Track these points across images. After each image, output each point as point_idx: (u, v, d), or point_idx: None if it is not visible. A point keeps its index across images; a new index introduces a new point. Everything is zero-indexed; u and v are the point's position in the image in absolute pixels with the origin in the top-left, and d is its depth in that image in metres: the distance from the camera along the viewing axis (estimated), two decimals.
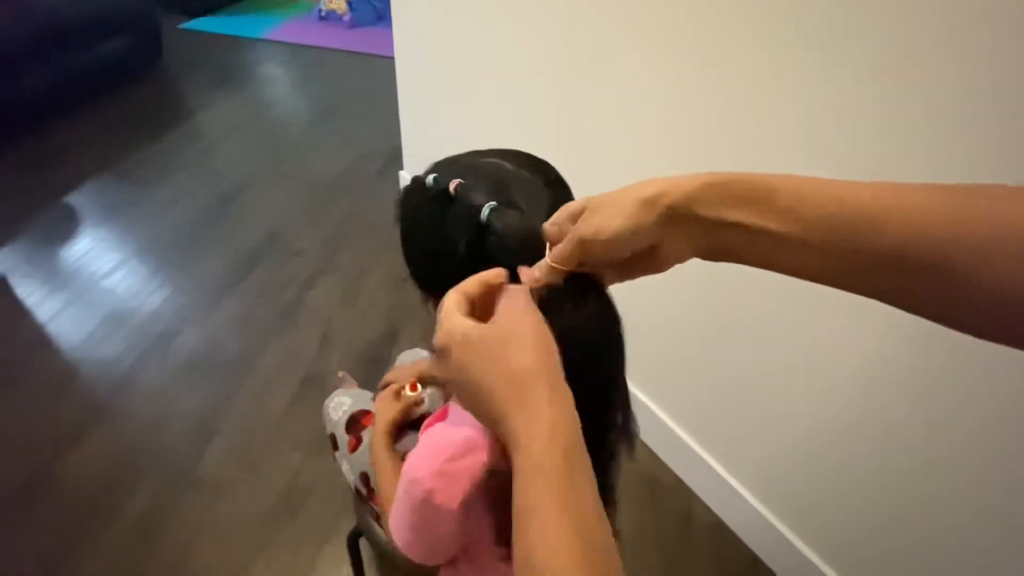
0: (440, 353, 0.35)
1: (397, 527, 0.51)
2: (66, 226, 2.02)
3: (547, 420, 0.30)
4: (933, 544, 0.93)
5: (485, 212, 0.41)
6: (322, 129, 2.69)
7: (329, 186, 2.25)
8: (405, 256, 0.51)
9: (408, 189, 0.50)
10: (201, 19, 3.64)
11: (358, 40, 3.46)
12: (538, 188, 0.46)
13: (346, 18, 3.61)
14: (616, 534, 0.30)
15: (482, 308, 0.37)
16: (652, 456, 1.43)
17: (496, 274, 0.38)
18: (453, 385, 0.35)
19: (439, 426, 0.52)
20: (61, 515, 1.26)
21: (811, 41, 0.77)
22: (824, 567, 1.12)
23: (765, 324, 1.03)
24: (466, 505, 0.45)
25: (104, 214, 2.09)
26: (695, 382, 1.26)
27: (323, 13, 3.68)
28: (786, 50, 0.81)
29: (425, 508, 0.46)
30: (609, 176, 1.17)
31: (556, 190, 0.47)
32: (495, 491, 0.46)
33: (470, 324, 0.34)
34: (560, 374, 0.32)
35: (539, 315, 0.34)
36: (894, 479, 0.95)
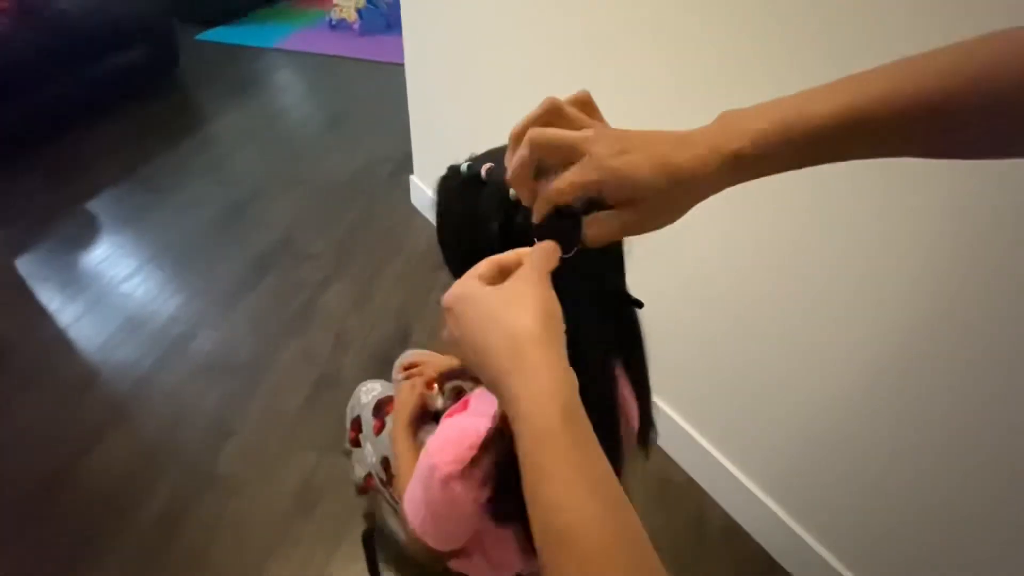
0: (447, 310, 0.35)
1: (413, 511, 0.52)
2: (85, 232, 2.07)
3: (545, 380, 0.30)
4: (950, 543, 0.92)
5: (514, 191, 0.42)
6: (333, 135, 2.73)
7: (341, 191, 2.28)
8: (441, 243, 0.52)
9: (443, 177, 0.51)
10: (216, 29, 3.71)
11: (368, 48, 3.50)
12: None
13: (356, 26, 3.66)
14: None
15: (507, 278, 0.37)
16: (664, 456, 1.42)
17: (529, 251, 0.37)
18: (457, 343, 0.35)
19: (459, 416, 0.53)
20: (81, 513, 1.29)
21: (832, 47, 0.78)
22: (841, 568, 1.11)
23: (778, 323, 1.03)
24: (482, 494, 0.46)
25: (122, 220, 2.13)
26: (707, 382, 1.25)
27: (333, 22, 3.73)
28: (806, 52, 0.81)
29: (442, 494, 0.47)
30: None
31: None
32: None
33: (479, 285, 0.34)
34: (561, 341, 0.32)
35: (548, 284, 0.34)
36: (910, 478, 0.94)
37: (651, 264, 1.21)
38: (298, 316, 1.76)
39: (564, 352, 0.32)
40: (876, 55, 0.35)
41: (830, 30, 0.77)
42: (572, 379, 0.31)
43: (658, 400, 1.37)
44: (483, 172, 0.45)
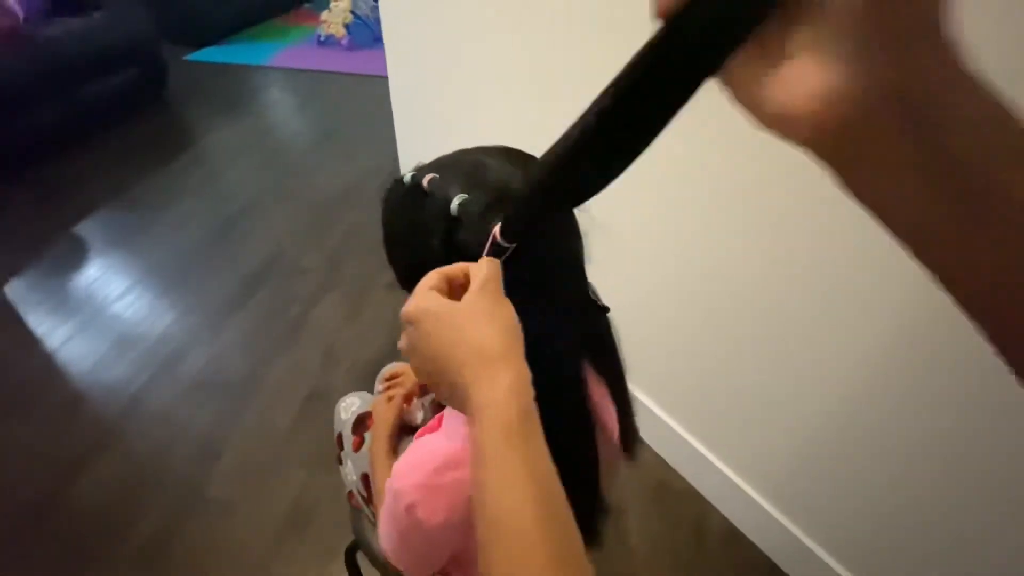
0: (407, 323, 0.36)
1: (385, 537, 0.50)
2: (75, 255, 2.06)
3: (507, 383, 0.31)
4: (954, 548, 0.90)
5: (454, 204, 0.40)
6: (324, 149, 2.73)
7: (332, 204, 2.28)
8: (387, 257, 0.51)
9: (388, 189, 0.49)
10: (205, 50, 3.73)
11: (356, 62, 3.52)
12: (515, 179, 0.44)
13: (344, 41, 3.68)
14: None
15: (461, 290, 0.37)
16: (662, 463, 1.40)
17: (477, 267, 0.38)
18: (415, 356, 0.36)
19: (429, 437, 0.52)
20: (71, 536, 1.26)
21: None
22: (844, 573, 1.08)
23: (776, 329, 1.01)
24: (450, 519, 0.44)
25: (112, 241, 2.12)
26: (704, 388, 1.23)
27: (322, 38, 3.76)
28: None
29: (407, 520, 0.45)
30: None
31: None
32: None
33: (442, 299, 0.35)
34: (522, 352, 0.33)
35: (505, 298, 0.35)
36: (912, 482, 0.92)
37: (646, 271, 1.21)
38: (289, 331, 1.75)
39: (524, 363, 0.33)
40: None
41: None
42: (531, 388, 0.33)
43: (656, 408, 1.35)
44: (425, 183, 0.43)
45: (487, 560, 0.28)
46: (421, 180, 0.43)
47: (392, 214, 0.48)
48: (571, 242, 0.46)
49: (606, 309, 0.50)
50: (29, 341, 1.74)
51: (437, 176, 0.43)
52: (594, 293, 0.54)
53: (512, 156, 0.47)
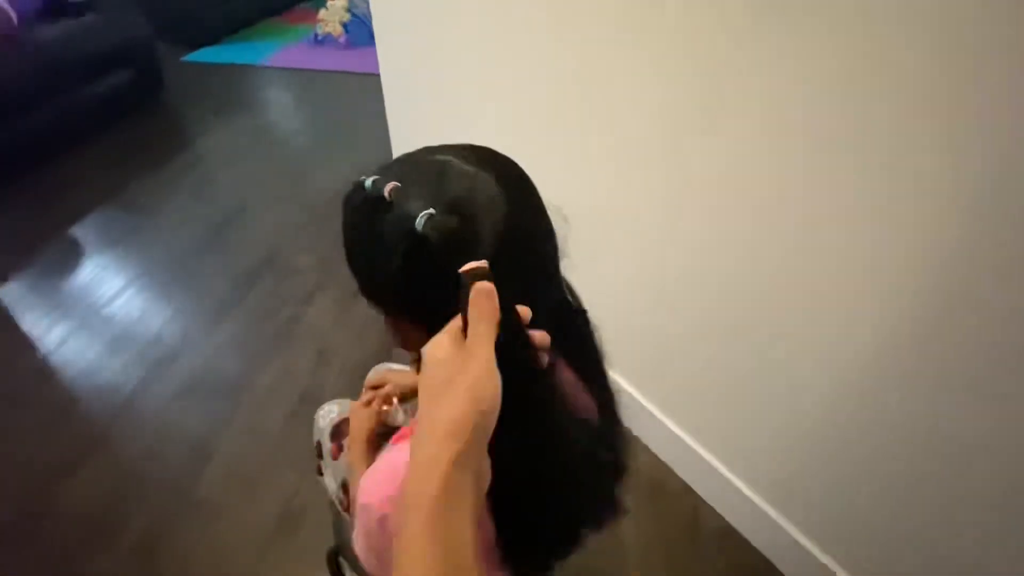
0: (422, 359, 0.35)
1: (359, 548, 0.49)
2: (70, 257, 2.06)
3: (441, 458, 0.31)
4: (950, 546, 0.88)
5: (420, 222, 0.36)
6: (320, 149, 2.72)
7: (326, 203, 2.26)
8: (348, 264, 0.46)
9: (348, 194, 0.44)
10: (202, 50, 3.73)
11: (354, 60, 3.50)
12: (490, 189, 0.40)
13: (342, 40, 3.67)
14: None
15: None
16: (656, 461, 1.38)
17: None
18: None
19: (400, 446, 0.50)
20: (62, 539, 1.26)
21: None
22: (840, 571, 1.06)
23: (772, 325, 0.99)
24: None
25: (106, 243, 2.12)
26: (699, 385, 1.22)
27: (319, 37, 3.74)
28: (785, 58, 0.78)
29: (380, 534, 0.43)
30: (594, 180, 1.15)
31: (512, 190, 0.41)
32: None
33: (443, 347, 0.34)
34: (481, 432, 0.32)
35: (491, 359, 0.33)
36: (908, 481, 0.90)
37: (636, 265, 1.19)
38: (282, 333, 1.74)
39: (481, 445, 0.32)
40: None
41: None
42: (476, 468, 0.32)
43: (650, 406, 1.33)
44: (387, 192, 0.39)
45: None
46: (383, 189, 0.39)
47: (352, 221, 0.44)
48: (543, 246, 0.44)
49: (583, 312, 0.48)
50: (23, 344, 1.74)
51: (399, 185, 0.39)
52: (572, 294, 0.52)
53: (480, 156, 0.43)
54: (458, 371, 0.33)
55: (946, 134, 0.65)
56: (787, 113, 0.80)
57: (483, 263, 0.35)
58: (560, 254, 0.46)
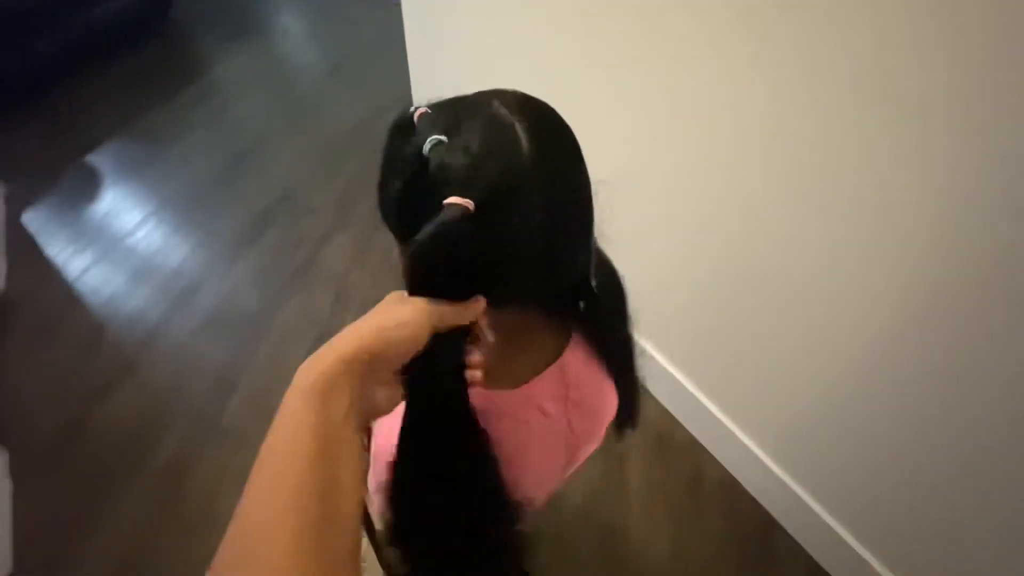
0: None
1: (372, 487, 0.50)
2: (88, 185, 2.06)
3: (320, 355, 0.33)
4: (950, 505, 0.90)
5: (427, 146, 0.37)
6: (337, 81, 2.63)
7: (343, 140, 2.21)
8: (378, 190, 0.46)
9: (395, 119, 0.45)
10: None
11: None
12: (512, 137, 0.38)
13: None
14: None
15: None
16: (666, 414, 1.41)
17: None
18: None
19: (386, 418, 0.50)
20: (95, 462, 1.34)
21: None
22: (839, 528, 1.10)
23: (782, 280, 0.98)
24: None
25: (124, 172, 2.11)
26: (710, 339, 1.22)
27: None
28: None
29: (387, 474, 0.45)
30: (618, 117, 1.10)
31: (542, 145, 0.39)
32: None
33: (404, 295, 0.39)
34: (378, 359, 0.34)
35: (416, 317, 0.36)
36: (910, 439, 0.91)
37: (654, 225, 1.16)
38: (299, 271, 1.75)
39: (376, 363, 0.34)
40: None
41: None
42: (361, 377, 0.34)
43: (660, 357, 1.35)
44: (415, 116, 0.40)
45: (248, 483, 0.31)
46: (413, 113, 0.40)
47: (386, 143, 0.44)
48: (564, 207, 0.41)
49: (594, 293, 0.47)
50: (49, 269, 1.78)
51: (429, 112, 0.40)
52: (603, 265, 0.51)
53: (522, 105, 0.41)
54: (392, 302, 0.37)
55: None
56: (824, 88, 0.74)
57: (467, 202, 0.35)
58: (591, 221, 0.44)
